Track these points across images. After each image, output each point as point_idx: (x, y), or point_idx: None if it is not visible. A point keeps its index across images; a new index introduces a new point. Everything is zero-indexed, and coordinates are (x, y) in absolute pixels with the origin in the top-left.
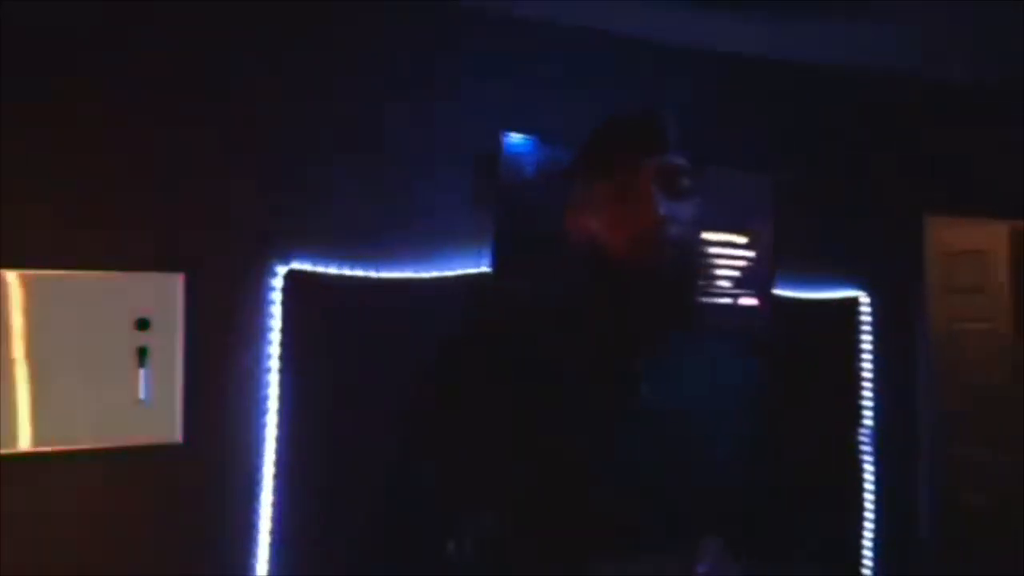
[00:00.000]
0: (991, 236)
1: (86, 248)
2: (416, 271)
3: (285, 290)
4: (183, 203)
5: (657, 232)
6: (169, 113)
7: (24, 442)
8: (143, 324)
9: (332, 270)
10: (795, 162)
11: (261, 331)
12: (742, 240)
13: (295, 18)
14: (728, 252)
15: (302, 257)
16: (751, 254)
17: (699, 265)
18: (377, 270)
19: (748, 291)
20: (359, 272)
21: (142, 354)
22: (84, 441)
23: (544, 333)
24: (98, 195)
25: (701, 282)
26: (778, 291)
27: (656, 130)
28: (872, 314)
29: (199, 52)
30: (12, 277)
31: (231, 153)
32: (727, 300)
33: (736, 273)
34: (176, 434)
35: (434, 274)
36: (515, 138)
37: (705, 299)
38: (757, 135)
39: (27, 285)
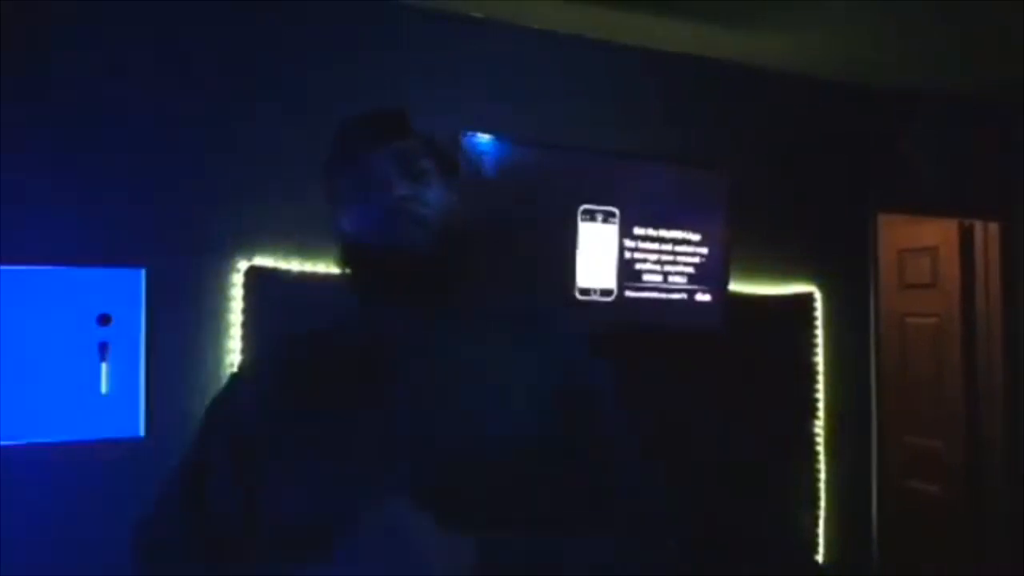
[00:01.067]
0: (942, 233)
1: (47, 243)
2: None
3: (246, 286)
4: (145, 199)
5: (398, 212)
6: (131, 110)
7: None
8: (105, 319)
9: (293, 266)
10: (749, 161)
11: (222, 326)
12: (696, 237)
13: (249, 18)
14: (682, 249)
15: (262, 253)
16: (705, 251)
17: (462, 245)
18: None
19: (702, 287)
20: (320, 268)
21: (103, 349)
22: (46, 435)
23: (320, 329)
24: (60, 190)
25: (472, 263)
26: (733, 287)
27: (390, 120)
28: (825, 309)
29: (160, 51)
30: None
31: (192, 150)
32: (682, 296)
33: (690, 270)
34: (138, 429)
35: None
36: (474, 137)
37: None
38: (712, 135)
39: None
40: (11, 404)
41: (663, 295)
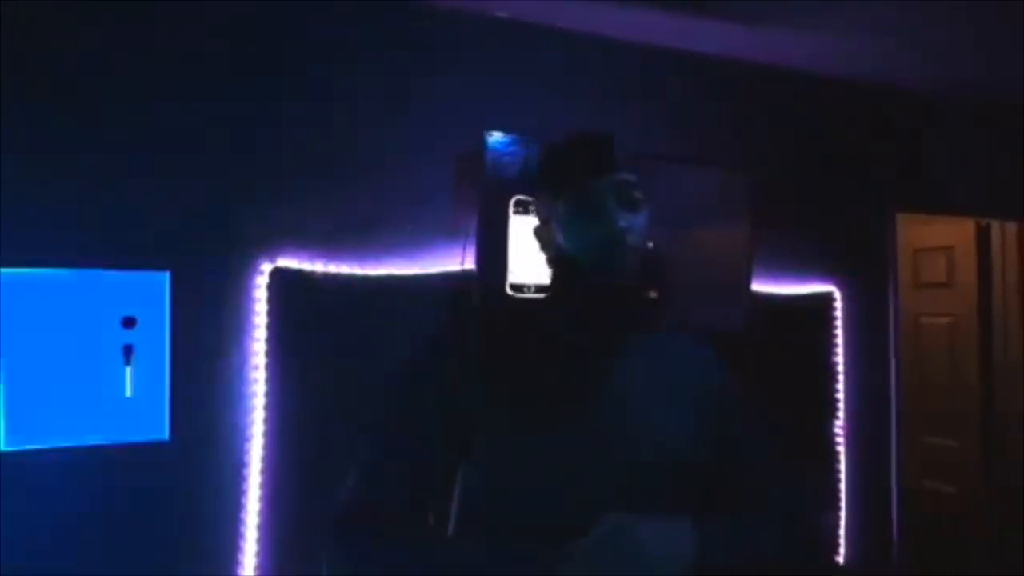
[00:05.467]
0: (958, 232)
1: (71, 246)
2: (400, 269)
3: (271, 287)
4: (169, 201)
5: (617, 242)
6: (155, 113)
7: (10, 440)
8: (129, 322)
9: (317, 267)
10: (771, 162)
11: (247, 328)
12: (720, 238)
13: (275, 19)
14: (706, 249)
15: (287, 255)
16: (728, 251)
17: (660, 270)
18: (362, 267)
19: (726, 287)
20: (344, 269)
21: (128, 352)
22: (71, 439)
23: (515, 335)
24: (84, 193)
25: (662, 285)
26: (755, 287)
27: (603, 150)
28: (845, 308)
29: (182, 52)
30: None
31: (216, 152)
32: (707, 295)
33: (714, 270)
34: (163, 432)
35: (418, 271)
36: (497, 137)
37: (671, 299)
38: (734, 136)
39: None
40: (36, 407)
41: (685, 295)
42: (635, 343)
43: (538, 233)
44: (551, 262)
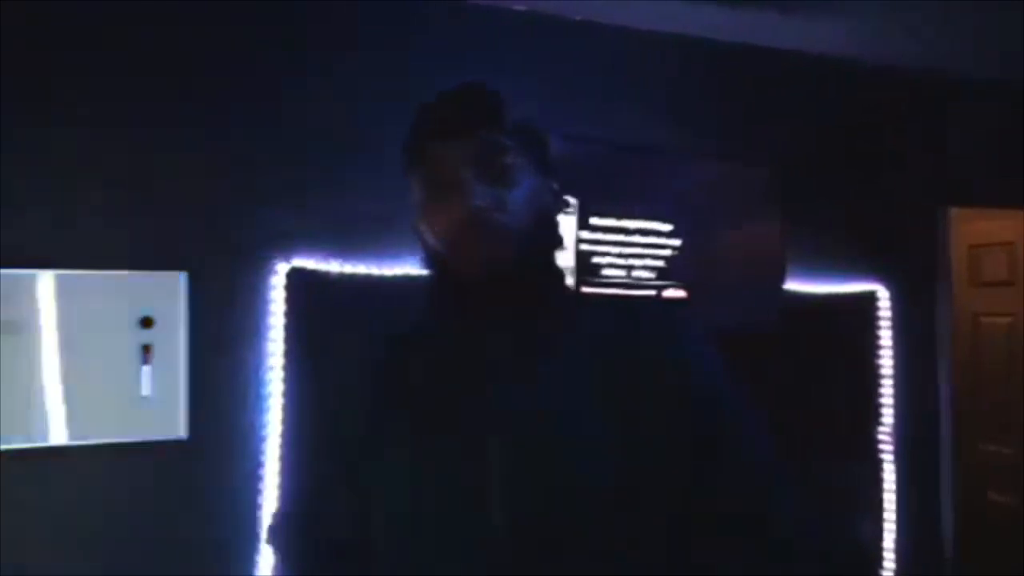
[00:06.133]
0: (1019, 227)
1: (89, 247)
2: (416, 269)
3: (287, 287)
4: (185, 202)
5: (473, 222)
6: (170, 113)
7: (34, 437)
8: (147, 322)
9: (333, 267)
10: (810, 153)
11: (263, 328)
12: (750, 235)
13: (291, 17)
14: (736, 248)
15: (303, 255)
16: (760, 249)
17: (548, 252)
18: (378, 267)
19: (759, 286)
20: (360, 269)
21: (146, 352)
22: (89, 437)
23: (406, 346)
24: (101, 195)
25: (559, 271)
26: (792, 286)
27: (468, 101)
28: (891, 308)
29: (197, 53)
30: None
31: (232, 152)
32: (738, 295)
33: (745, 269)
34: (180, 430)
35: None
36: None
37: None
38: (770, 127)
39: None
40: (58, 405)
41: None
42: (542, 345)
43: (413, 225)
44: (422, 260)
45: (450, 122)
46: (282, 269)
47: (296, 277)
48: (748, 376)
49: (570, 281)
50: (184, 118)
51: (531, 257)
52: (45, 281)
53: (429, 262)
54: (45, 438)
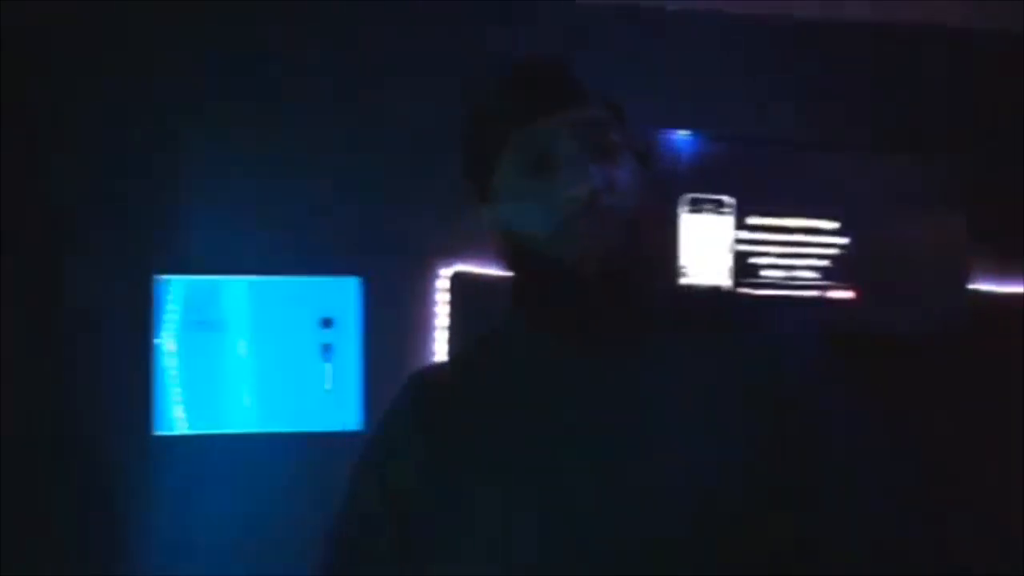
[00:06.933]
0: None
1: (277, 256)
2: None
3: (451, 291)
4: (359, 214)
5: (591, 206)
6: (346, 132)
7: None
8: (327, 323)
9: (494, 272)
10: (993, 143)
11: (430, 329)
12: (930, 232)
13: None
14: (914, 246)
15: (466, 260)
16: (941, 246)
17: (644, 245)
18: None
19: (940, 286)
20: None
21: (327, 350)
22: (280, 426)
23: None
24: (289, 209)
25: (651, 265)
26: (977, 285)
27: (565, 78)
28: None
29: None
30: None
31: (399, 165)
32: (917, 296)
33: (925, 268)
34: (357, 422)
35: None
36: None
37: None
38: (949, 116)
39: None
40: (253, 396)
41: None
42: (641, 347)
43: (485, 222)
44: (504, 258)
45: (554, 94)
46: (446, 274)
47: (460, 281)
48: (924, 384)
49: (726, 282)
50: (362, 135)
51: (643, 251)
52: (238, 286)
53: (519, 261)
54: (235, 425)
